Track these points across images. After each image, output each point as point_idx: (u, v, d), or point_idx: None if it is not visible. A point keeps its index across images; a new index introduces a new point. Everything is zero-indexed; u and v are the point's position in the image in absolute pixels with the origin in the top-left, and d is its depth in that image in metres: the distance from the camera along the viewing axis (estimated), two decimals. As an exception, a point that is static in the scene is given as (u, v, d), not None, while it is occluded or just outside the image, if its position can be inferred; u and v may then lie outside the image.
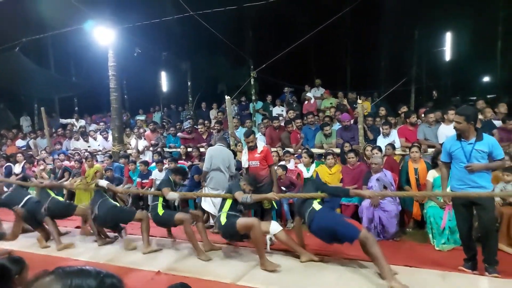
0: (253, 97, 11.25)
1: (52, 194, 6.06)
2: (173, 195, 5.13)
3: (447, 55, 13.90)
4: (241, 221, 4.50)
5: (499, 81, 14.40)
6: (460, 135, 3.94)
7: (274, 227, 4.57)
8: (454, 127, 4.01)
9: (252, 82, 10.90)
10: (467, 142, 3.89)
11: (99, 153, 9.81)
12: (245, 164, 5.99)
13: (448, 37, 13.50)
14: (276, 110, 10.76)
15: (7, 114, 15.04)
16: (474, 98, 12.61)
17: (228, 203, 4.72)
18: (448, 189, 4.24)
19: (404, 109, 8.01)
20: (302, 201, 4.61)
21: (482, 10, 13.62)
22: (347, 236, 3.94)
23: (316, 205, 4.35)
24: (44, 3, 9.26)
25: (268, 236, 4.59)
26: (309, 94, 10.82)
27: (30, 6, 9.69)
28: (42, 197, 5.98)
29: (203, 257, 4.79)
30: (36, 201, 5.93)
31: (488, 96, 13.05)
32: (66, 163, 9.17)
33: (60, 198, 6.36)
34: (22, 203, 5.78)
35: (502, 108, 6.81)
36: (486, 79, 17.45)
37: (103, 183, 5.71)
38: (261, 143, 6.14)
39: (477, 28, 14.14)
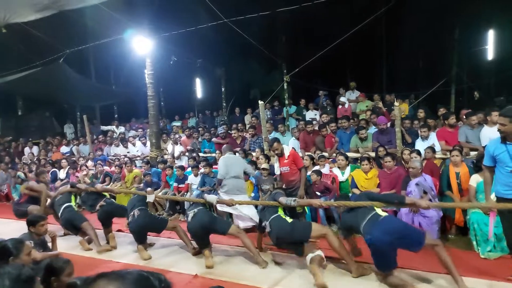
0: (286, 102, 11.24)
1: (107, 195, 6.39)
2: (212, 198, 5.25)
3: (490, 54, 13.24)
4: (317, 227, 4.51)
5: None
6: (505, 138, 3.76)
7: None
8: (498, 130, 3.84)
9: (285, 87, 10.89)
10: (513, 145, 3.71)
11: (138, 158, 10.11)
12: (277, 171, 6.05)
13: (491, 34, 12.85)
14: (310, 114, 10.68)
15: (52, 122, 15.89)
16: (520, 98, 11.95)
17: (281, 209, 4.74)
18: (493, 195, 4.06)
19: (443, 110, 7.73)
20: (351, 210, 4.27)
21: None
22: (416, 241, 3.72)
23: (380, 212, 4.05)
24: (86, 15, 9.68)
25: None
26: (342, 99, 10.65)
27: (74, 19, 10.15)
28: (92, 199, 6.24)
29: (264, 264, 4.71)
30: (72, 210, 6.13)
31: (535, 96, 12.33)
32: (107, 168, 9.55)
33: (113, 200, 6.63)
34: (60, 211, 6.08)
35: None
36: (532, 77, 16.50)
37: (151, 198, 5.72)
38: (287, 147, 6.15)
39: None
